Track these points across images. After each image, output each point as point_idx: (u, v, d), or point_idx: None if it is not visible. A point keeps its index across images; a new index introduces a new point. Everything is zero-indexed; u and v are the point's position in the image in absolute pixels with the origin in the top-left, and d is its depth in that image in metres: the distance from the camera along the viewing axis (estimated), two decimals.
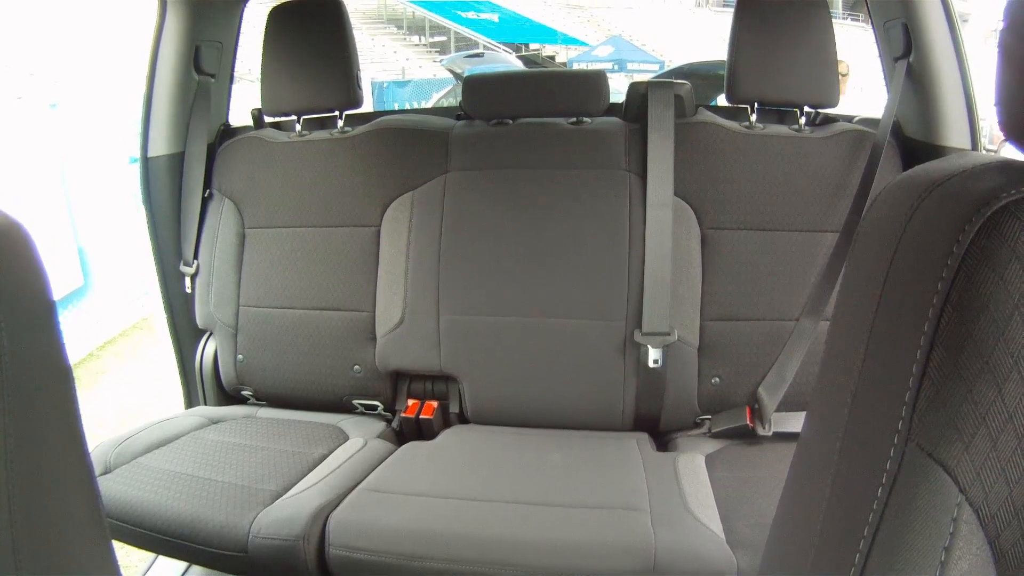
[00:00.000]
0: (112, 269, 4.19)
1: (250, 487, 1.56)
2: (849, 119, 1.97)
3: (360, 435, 1.84)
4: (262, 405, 2.12)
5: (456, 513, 1.45)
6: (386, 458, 1.71)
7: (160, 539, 1.53)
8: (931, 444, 0.48)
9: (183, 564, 2.04)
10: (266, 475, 1.61)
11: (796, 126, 1.87)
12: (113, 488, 1.58)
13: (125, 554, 2.25)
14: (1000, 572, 0.49)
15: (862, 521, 0.51)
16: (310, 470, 1.65)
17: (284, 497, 1.53)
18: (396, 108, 5.68)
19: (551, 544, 1.34)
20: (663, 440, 1.87)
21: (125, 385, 3.65)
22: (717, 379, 1.84)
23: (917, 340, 0.48)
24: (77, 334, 3.91)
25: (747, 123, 1.88)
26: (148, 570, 2.07)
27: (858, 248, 0.58)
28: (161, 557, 2.09)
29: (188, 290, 2.14)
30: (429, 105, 4.92)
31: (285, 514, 1.46)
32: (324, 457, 1.71)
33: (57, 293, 3.74)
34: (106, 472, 1.62)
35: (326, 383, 2.04)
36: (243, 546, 1.44)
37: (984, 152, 2.08)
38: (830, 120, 1.94)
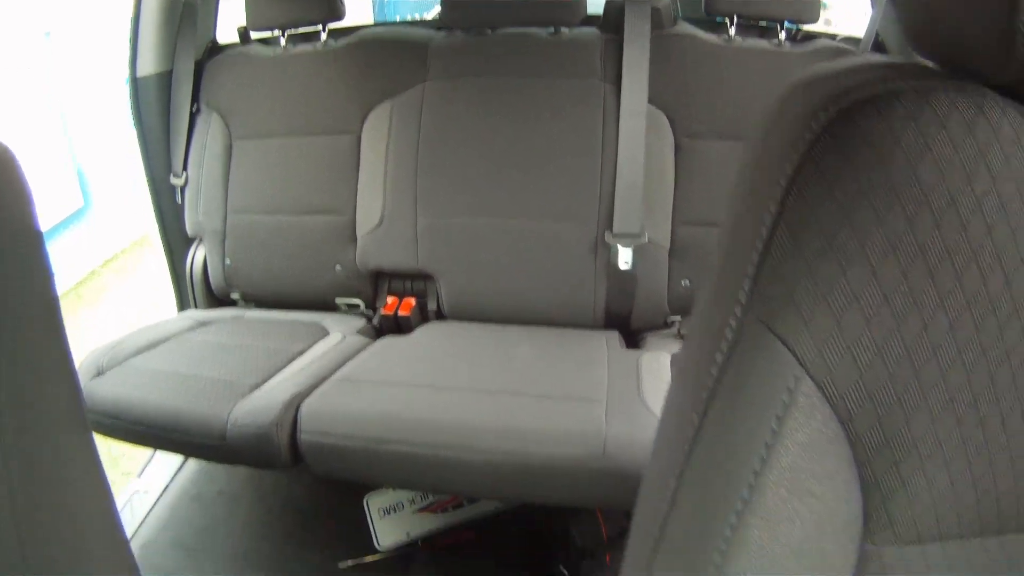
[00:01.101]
0: (111, 189, 4.22)
1: (230, 381, 1.63)
2: (832, 37, 1.97)
3: (340, 331, 1.91)
4: (250, 307, 2.20)
5: (422, 400, 1.51)
6: (362, 351, 1.78)
7: (147, 432, 1.61)
8: (769, 317, 0.48)
9: (178, 460, 2.15)
10: (247, 370, 1.67)
11: (776, 40, 1.89)
12: (105, 388, 1.65)
13: (125, 458, 2.35)
14: (858, 456, 0.49)
15: (702, 388, 0.51)
16: (288, 364, 1.71)
17: (261, 388, 1.59)
18: (398, 20, 5.57)
19: (508, 429, 1.39)
20: (634, 338, 1.92)
21: (125, 300, 3.72)
22: (687, 282, 1.89)
23: (765, 218, 0.48)
24: (79, 253, 3.97)
25: (726, 36, 1.89)
26: (144, 468, 2.17)
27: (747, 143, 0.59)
28: (157, 455, 2.20)
29: (178, 201, 2.22)
30: (430, 16, 4.81)
31: (260, 404, 1.52)
32: (303, 352, 1.78)
33: (58, 215, 3.83)
34: (99, 374, 1.69)
35: (309, 283, 2.11)
36: (222, 434, 1.51)
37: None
38: (811, 37, 1.95)
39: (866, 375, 0.48)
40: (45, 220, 3.70)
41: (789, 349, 0.48)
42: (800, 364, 0.48)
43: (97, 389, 1.65)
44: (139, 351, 1.79)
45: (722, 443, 0.50)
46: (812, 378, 0.48)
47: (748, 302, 0.49)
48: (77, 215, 4.04)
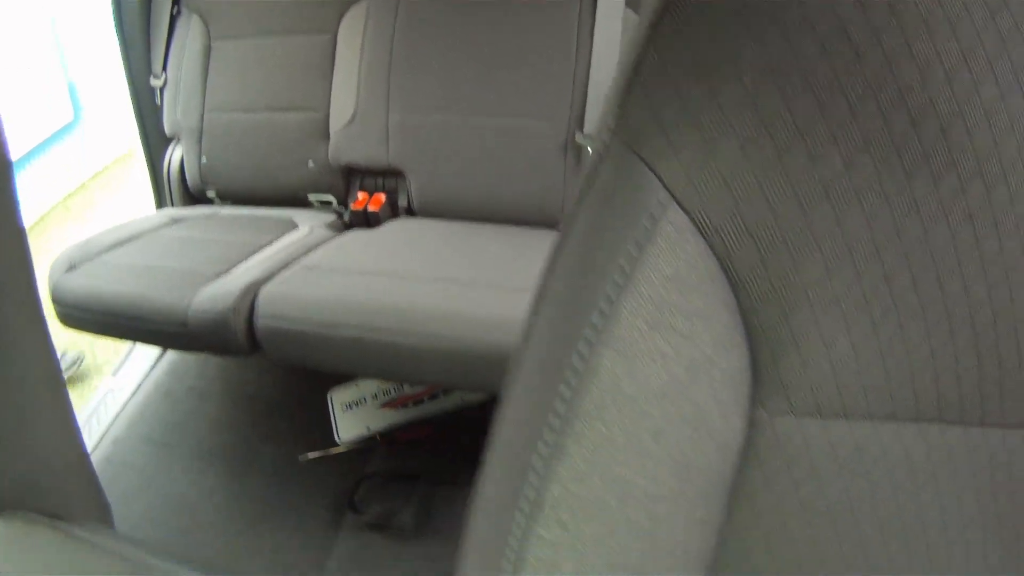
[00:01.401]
0: (102, 104, 4.19)
1: (195, 271, 1.64)
2: None
3: (308, 225, 1.92)
4: (226, 204, 2.21)
5: (375, 286, 1.51)
6: (326, 243, 1.78)
7: (114, 322, 1.63)
8: (634, 139, 0.44)
9: (152, 359, 2.17)
10: (212, 261, 1.68)
11: None
12: (75, 282, 1.67)
13: (109, 365, 2.37)
14: (742, 302, 0.45)
15: (569, 215, 0.49)
16: (253, 255, 1.72)
17: (223, 277, 1.60)
18: None
19: (457, 316, 1.38)
20: None
21: (112, 213, 3.72)
22: None
23: (638, 42, 0.44)
24: (68, 168, 3.96)
25: None
26: (119, 368, 2.20)
27: None
28: (132, 356, 2.23)
29: (158, 103, 2.23)
30: None
31: (220, 291, 1.53)
32: (269, 244, 1.79)
33: (48, 129, 3.80)
34: (71, 269, 1.71)
35: (282, 179, 2.12)
36: (183, 321, 1.52)
37: None
38: None
39: (743, 208, 0.43)
40: (36, 134, 3.71)
41: (656, 174, 0.44)
42: (667, 190, 0.44)
43: (67, 283, 1.67)
44: (111, 247, 1.81)
45: (578, 269, 0.47)
46: (682, 207, 0.44)
47: (616, 126, 0.45)
48: (67, 129, 4.02)
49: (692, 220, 0.44)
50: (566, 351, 0.45)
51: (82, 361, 2.54)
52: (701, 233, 0.44)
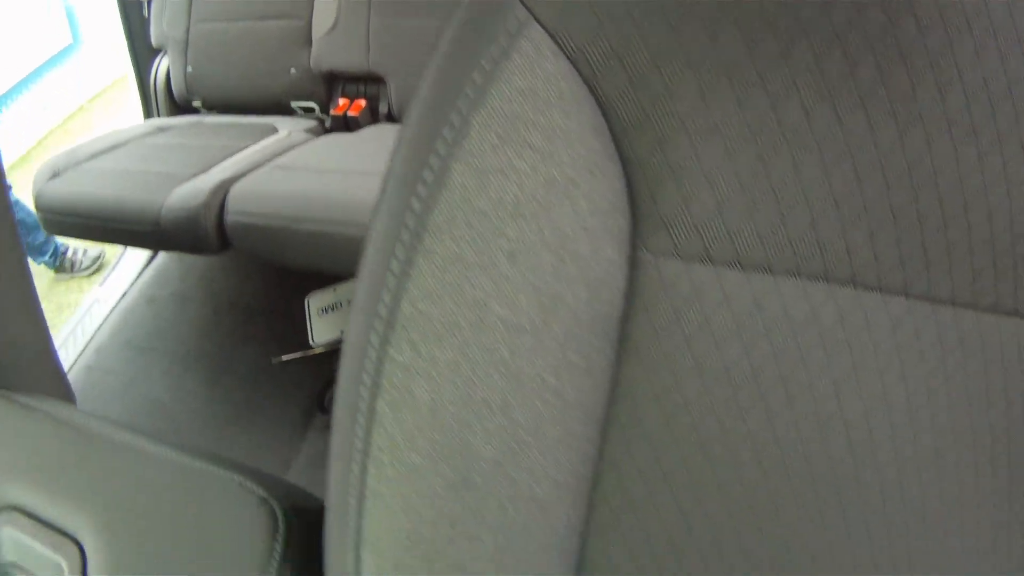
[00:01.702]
0: (100, 27, 4.18)
1: (172, 173, 1.65)
2: None
3: (288, 129, 1.92)
4: (211, 114, 2.21)
5: (342, 183, 1.51)
6: (302, 145, 1.79)
7: (93, 225, 1.65)
8: None
9: (137, 268, 2.19)
10: (189, 164, 1.70)
11: None
12: (57, 188, 1.69)
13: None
14: (613, 127, 0.43)
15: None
16: (229, 157, 1.73)
17: (197, 178, 1.61)
18: None
19: None
20: None
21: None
22: None
23: None
24: (67, 91, 3.97)
25: None
26: (105, 279, 2.21)
27: None
28: (118, 268, 2.24)
29: (145, 15, 2.23)
30: None
31: (193, 190, 1.55)
32: (247, 147, 1.79)
33: (47, 52, 3.79)
34: (54, 177, 1.72)
35: (265, 87, 2.11)
36: (156, 220, 1.53)
37: None
38: None
39: (608, 29, 0.41)
40: (34, 58, 3.71)
41: None
42: (526, 8, 0.41)
43: (49, 190, 1.69)
44: (95, 155, 1.82)
45: (434, 88, 0.44)
46: (541, 25, 0.41)
47: None
48: (66, 52, 4.02)
49: (553, 39, 0.41)
50: (419, 165, 0.43)
51: (103, 256, 2.84)
52: (563, 52, 0.42)
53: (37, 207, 1.71)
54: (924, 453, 0.50)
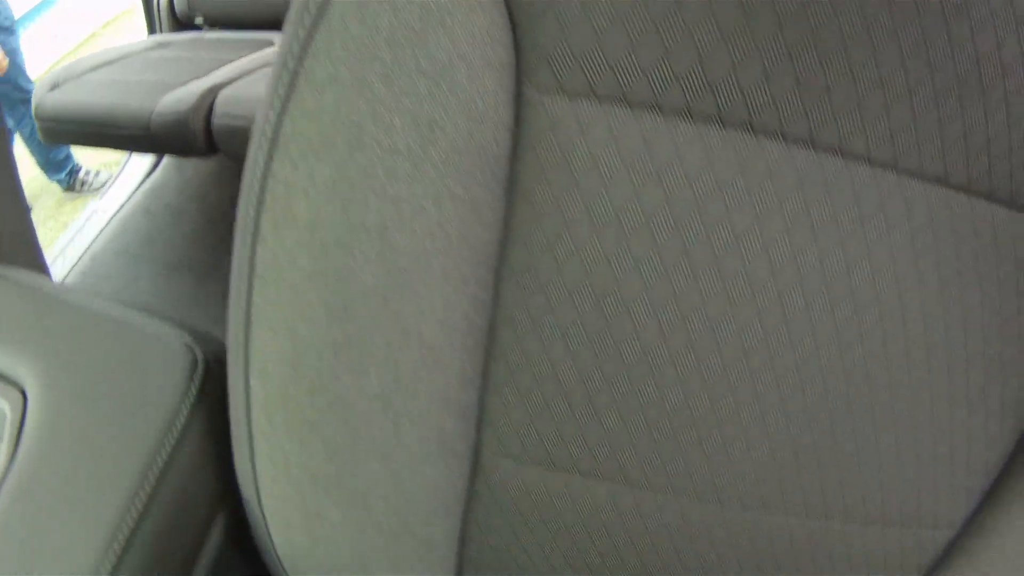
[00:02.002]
0: None
1: (165, 81, 1.68)
2: None
3: None
4: (214, 30, 2.22)
5: None
6: None
7: (88, 131, 1.69)
8: None
9: (136, 181, 2.22)
10: (182, 73, 1.72)
11: None
12: (56, 98, 1.74)
13: None
14: None
15: None
16: (222, 66, 1.74)
17: (188, 84, 1.64)
18: None
19: None
20: None
21: None
22: None
23: None
24: (80, 17, 3.99)
25: None
26: (105, 191, 2.25)
27: None
28: (118, 180, 2.28)
29: None
30: None
31: (183, 95, 1.59)
32: (241, 58, 1.81)
33: None
34: (53, 88, 1.76)
35: (266, 1, 2.12)
36: (147, 124, 1.57)
37: None
38: None
39: None
40: None
41: None
42: None
43: (48, 100, 1.74)
44: (94, 67, 1.86)
45: None
46: None
47: None
48: None
49: None
50: None
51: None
52: None
53: (36, 116, 1.75)
54: (847, 330, 0.49)
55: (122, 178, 2.26)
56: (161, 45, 2.02)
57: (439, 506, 0.55)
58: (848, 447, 0.53)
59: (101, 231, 2.09)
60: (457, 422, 0.52)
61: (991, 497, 0.59)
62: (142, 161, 2.24)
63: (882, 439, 0.53)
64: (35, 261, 0.83)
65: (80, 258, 2.01)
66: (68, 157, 3.12)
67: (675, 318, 0.48)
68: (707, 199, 0.44)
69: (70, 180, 3.10)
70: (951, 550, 0.61)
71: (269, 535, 0.56)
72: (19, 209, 0.81)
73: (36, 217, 3.11)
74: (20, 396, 0.54)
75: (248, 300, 0.48)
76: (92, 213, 2.18)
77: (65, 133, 1.75)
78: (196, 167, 2.13)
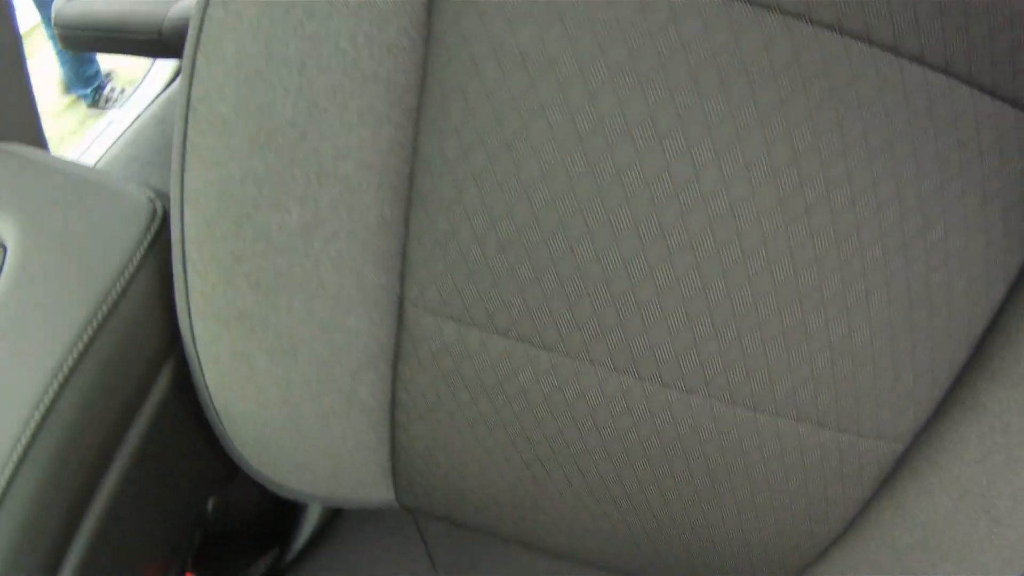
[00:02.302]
0: None
1: None
2: None
3: None
4: None
5: None
6: None
7: (102, 37, 1.72)
8: None
9: (152, 94, 2.25)
10: None
11: None
12: (73, 7, 1.76)
13: None
14: None
15: None
16: None
17: None
18: None
19: None
20: None
21: None
22: None
23: None
24: None
25: None
26: (124, 103, 2.28)
27: None
28: (143, 86, 2.31)
29: None
30: None
31: (194, 1, 1.59)
32: None
33: None
34: None
35: None
36: (159, 30, 1.59)
37: None
38: None
39: None
40: None
41: None
42: None
43: (66, 9, 1.77)
44: None
45: None
46: None
47: None
48: None
49: None
50: None
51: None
52: None
53: (55, 24, 1.78)
54: (762, 196, 0.48)
55: (140, 92, 2.30)
56: None
57: (364, 360, 0.58)
58: (785, 323, 0.52)
59: (116, 140, 2.13)
60: (379, 271, 0.54)
61: (940, 412, 0.55)
62: (161, 76, 2.27)
63: (819, 325, 0.52)
64: (36, 138, 0.87)
65: (96, 163, 2.05)
66: (97, 74, 3.15)
67: (582, 164, 0.48)
68: (610, 45, 0.45)
69: (95, 96, 3.14)
70: (899, 467, 0.58)
71: (203, 377, 0.59)
72: (22, 87, 0.84)
73: (59, 132, 3.17)
74: (1, 250, 0.57)
75: (184, 134, 0.51)
76: (109, 123, 2.21)
77: (81, 39, 1.78)
78: None
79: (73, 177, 0.63)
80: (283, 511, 0.88)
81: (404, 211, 0.52)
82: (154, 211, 0.59)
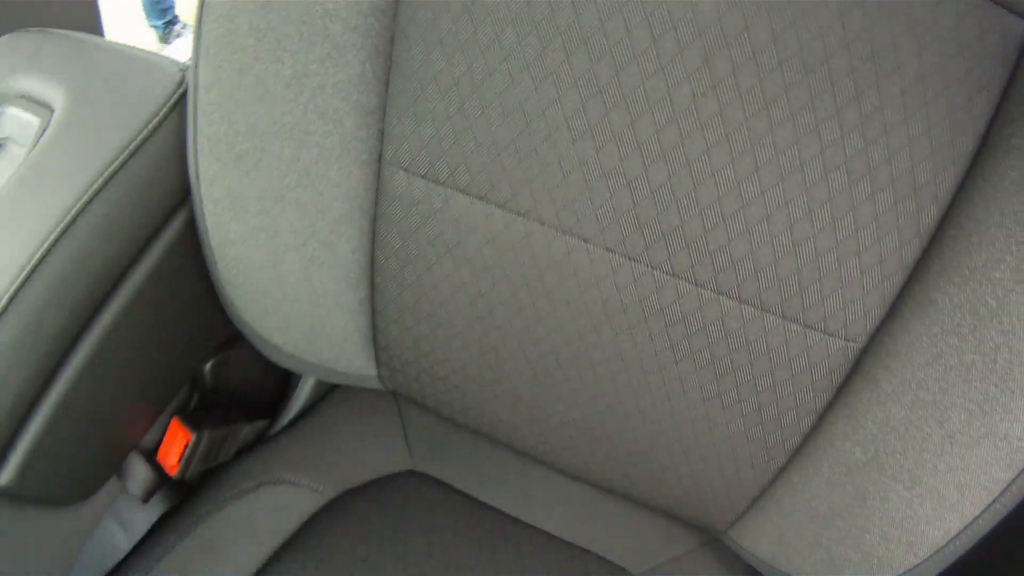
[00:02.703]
0: None
1: None
2: None
3: None
4: None
5: None
6: None
7: None
8: None
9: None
10: None
11: None
12: None
13: None
14: None
15: None
16: None
17: None
18: None
19: None
20: None
21: None
22: None
23: None
24: None
25: None
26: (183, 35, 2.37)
27: None
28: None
29: None
30: None
31: None
32: None
33: None
34: None
35: None
36: None
37: None
38: None
39: None
40: None
41: None
42: None
43: None
44: None
45: None
46: None
47: None
48: None
49: None
50: None
51: None
52: None
53: None
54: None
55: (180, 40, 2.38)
56: None
57: (343, 212, 0.63)
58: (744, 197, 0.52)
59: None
60: (359, 125, 0.59)
61: (894, 310, 0.54)
62: None
63: (776, 206, 0.52)
64: (93, 28, 0.95)
65: None
66: (170, 8, 3.24)
67: (529, 25, 0.52)
68: None
69: (166, 29, 3.23)
70: (852, 374, 0.58)
71: (204, 217, 0.65)
72: None
73: None
74: (49, 112, 0.64)
75: (199, 33, 0.58)
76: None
77: None
78: None
79: (116, 53, 0.69)
80: (276, 387, 0.95)
81: (385, 72, 0.57)
82: (182, 78, 0.65)
